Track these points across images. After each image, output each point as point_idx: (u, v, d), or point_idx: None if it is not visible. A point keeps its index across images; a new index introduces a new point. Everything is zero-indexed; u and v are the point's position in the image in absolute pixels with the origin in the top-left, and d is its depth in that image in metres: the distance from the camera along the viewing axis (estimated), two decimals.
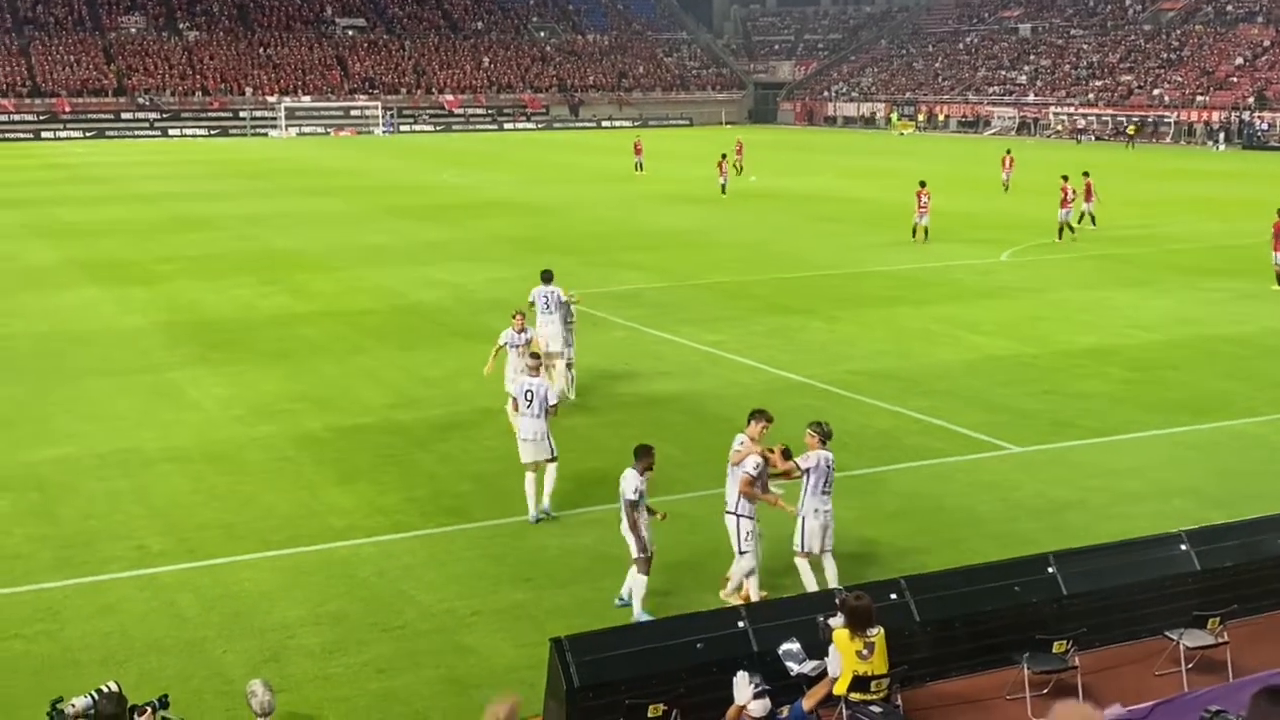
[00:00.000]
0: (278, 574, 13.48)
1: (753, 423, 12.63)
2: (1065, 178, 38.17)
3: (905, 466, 16.94)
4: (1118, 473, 16.64)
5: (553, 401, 14.99)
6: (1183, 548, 12.02)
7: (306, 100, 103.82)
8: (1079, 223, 38.02)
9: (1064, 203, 37.39)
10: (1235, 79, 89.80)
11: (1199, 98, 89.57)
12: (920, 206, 37.37)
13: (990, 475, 16.63)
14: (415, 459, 17.39)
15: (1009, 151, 55.75)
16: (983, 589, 11.33)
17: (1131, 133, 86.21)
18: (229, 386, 21.34)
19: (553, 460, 15.04)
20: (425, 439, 18.31)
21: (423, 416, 19.48)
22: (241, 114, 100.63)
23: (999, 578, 11.49)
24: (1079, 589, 11.47)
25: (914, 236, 37.35)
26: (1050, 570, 11.53)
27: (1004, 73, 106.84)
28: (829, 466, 12.38)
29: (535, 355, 16.63)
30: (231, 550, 14.07)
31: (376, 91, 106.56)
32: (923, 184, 37.97)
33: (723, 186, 51.04)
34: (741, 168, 58.54)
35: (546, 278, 20.06)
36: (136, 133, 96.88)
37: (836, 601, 10.07)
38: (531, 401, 14.93)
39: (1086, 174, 39.20)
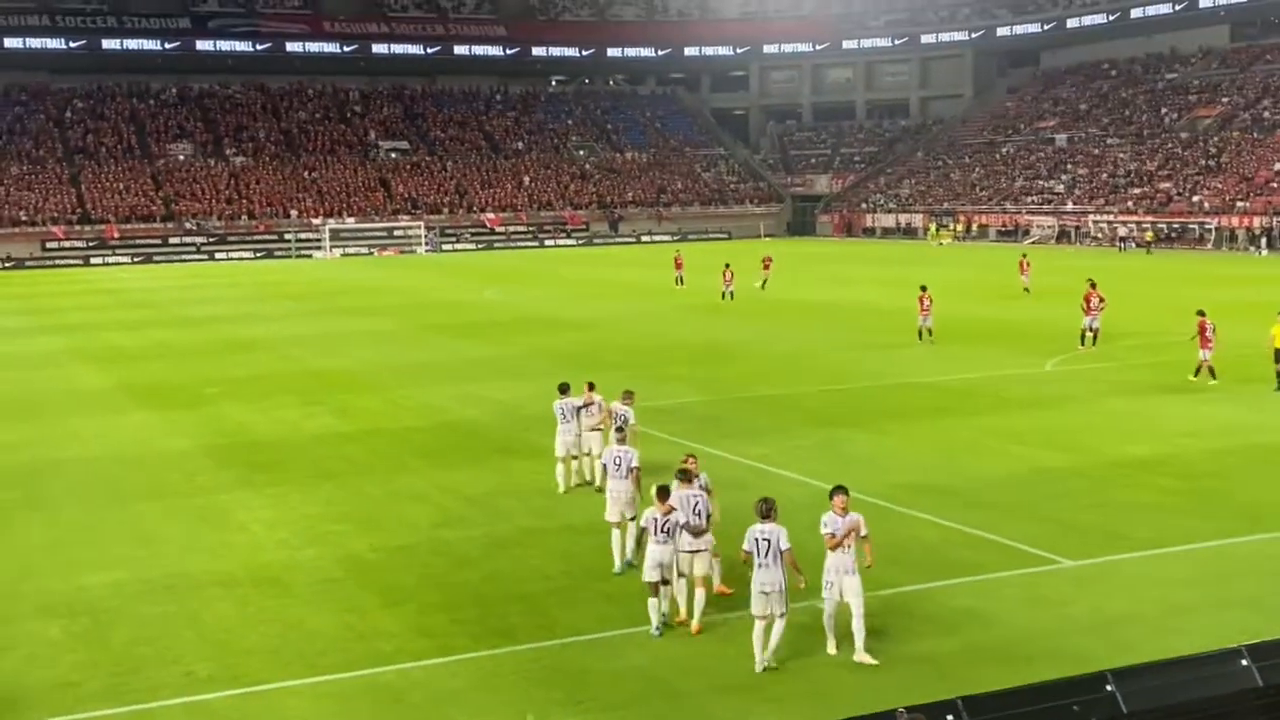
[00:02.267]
0: (325, 700, 13.40)
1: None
2: (1092, 284, 38.42)
3: (955, 582, 16.71)
4: (1173, 584, 16.36)
5: (634, 465, 17.61)
6: (1244, 663, 11.75)
7: (350, 222, 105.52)
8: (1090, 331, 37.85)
9: (1088, 310, 37.75)
10: (1275, 184, 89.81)
11: (1239, 203, 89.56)
12: (923, 309, 39.91)
13: (1042, 590, 16.38)
14: (461, 579, 17.34)
15: (1025, 255, 58.61)
16: (1041, 709, 11.08)
17: (1150, 239, 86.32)
18: (274, 509, 21.43)
19: (632, 519, 17.26)
20: (471, 558, 18.27)
21: (468, 535, 19.45)
22: (286, 236, 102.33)
23: (1057, 697, 11.25)
24: (1139, 707, 11.19)
25: (920, 339, 39.54)
26: (1109, 688, 11.28)
27: (1041, 182, 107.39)
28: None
29: (620, 429, 18.89)
30: (279, 676, 14.01)
31: (419, 211, 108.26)
32: (924, 288, 40.45)
33: (724, 294, 54.31)
34: (767, 282, 59.32)
35: (563, 389, 21.95)
36: (184, 257, 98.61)
37: None
38: (620, 466, 17.52)
39: (1092, 282, 39.09)
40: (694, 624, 14.99)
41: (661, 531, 14.84)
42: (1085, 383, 31.95)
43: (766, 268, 60.51)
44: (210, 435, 28.02)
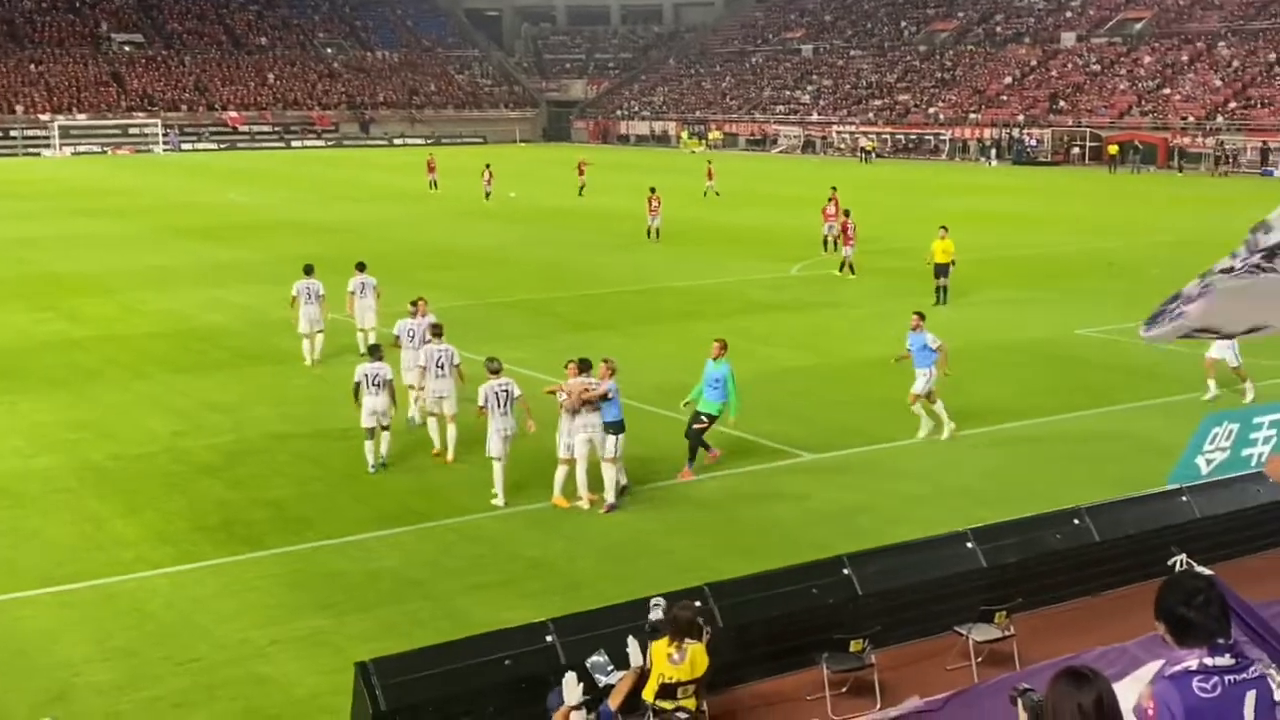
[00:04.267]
0: (61, 610, 12.94)
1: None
2: (834, 191, 39.70)
3: (703, 478, 17.21)
4: (904, 475, 17.24)
5: (456, 362, 18.46)
6: (969, 546, 12.52)
7: (82, 118, 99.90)
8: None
9: (828, 217, 38.90)
10: (1005, 97, 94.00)
11: (971, 115, 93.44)
12: (651, 210, 42.13)
13: (785, 483, 17.04)
14: (205, 487, 16.89)
15: (710, 162, 63.47)
16: (781, 592, 11.59)
17: (868, 148, 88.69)
18: (4, 417, 20.41)
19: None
20: (215, 466, 17.81)
21: (212, 443, 18.93)
22: (12, 133, 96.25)
23: (796, 580, 11.77)
24: (873, 589, 11.83)
25: (649, 237, 41.48)
26: (845, 572, 11.87)
27: (788, 92, 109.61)
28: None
29: (435, 325, 19.67)
30: (13, 586, 13.45)
31: (156, 109, 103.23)
32: (653, 190, 42.68)
33: (486, 194, 56.23)
34: (584, 186, 59.47)
35: (308, 270, 23.96)
36: None
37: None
38: (443, 366, 18.24)
39: (834, 190, 40.54)
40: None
41: (373, 385, 17.09)
42: (829, 287, 33.07)
43: (582, 173, 60.34)
44: None
